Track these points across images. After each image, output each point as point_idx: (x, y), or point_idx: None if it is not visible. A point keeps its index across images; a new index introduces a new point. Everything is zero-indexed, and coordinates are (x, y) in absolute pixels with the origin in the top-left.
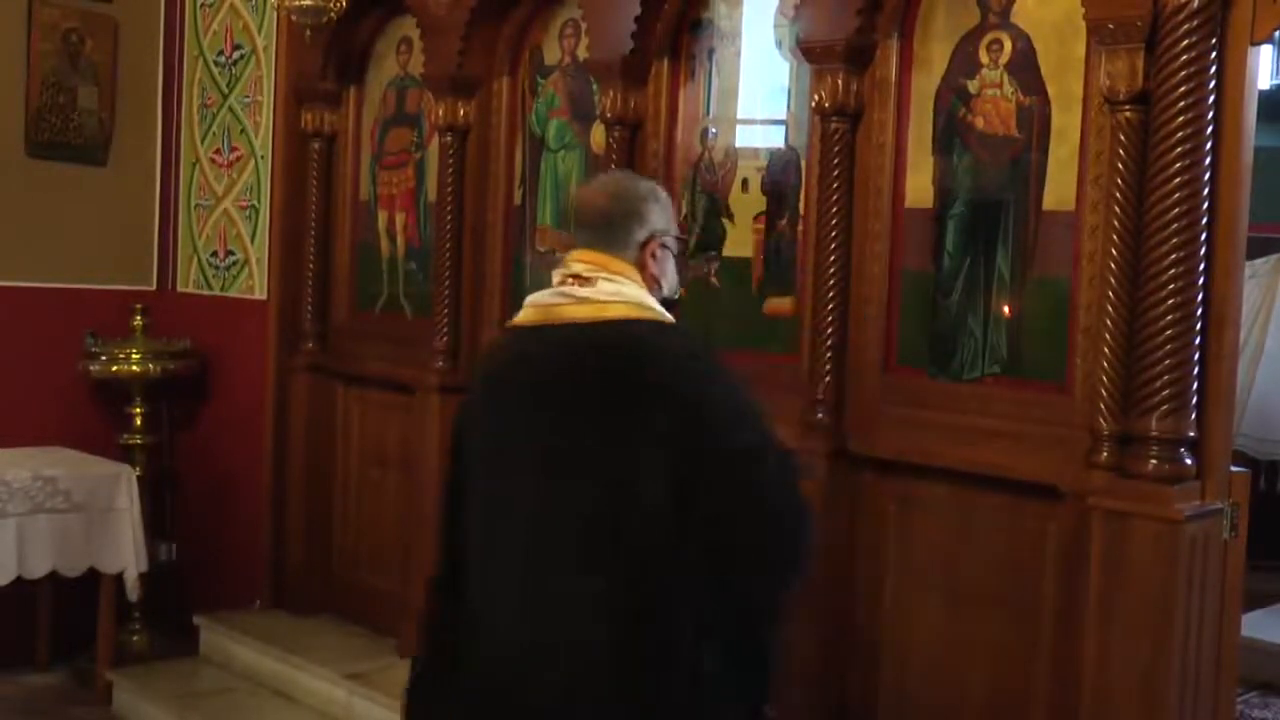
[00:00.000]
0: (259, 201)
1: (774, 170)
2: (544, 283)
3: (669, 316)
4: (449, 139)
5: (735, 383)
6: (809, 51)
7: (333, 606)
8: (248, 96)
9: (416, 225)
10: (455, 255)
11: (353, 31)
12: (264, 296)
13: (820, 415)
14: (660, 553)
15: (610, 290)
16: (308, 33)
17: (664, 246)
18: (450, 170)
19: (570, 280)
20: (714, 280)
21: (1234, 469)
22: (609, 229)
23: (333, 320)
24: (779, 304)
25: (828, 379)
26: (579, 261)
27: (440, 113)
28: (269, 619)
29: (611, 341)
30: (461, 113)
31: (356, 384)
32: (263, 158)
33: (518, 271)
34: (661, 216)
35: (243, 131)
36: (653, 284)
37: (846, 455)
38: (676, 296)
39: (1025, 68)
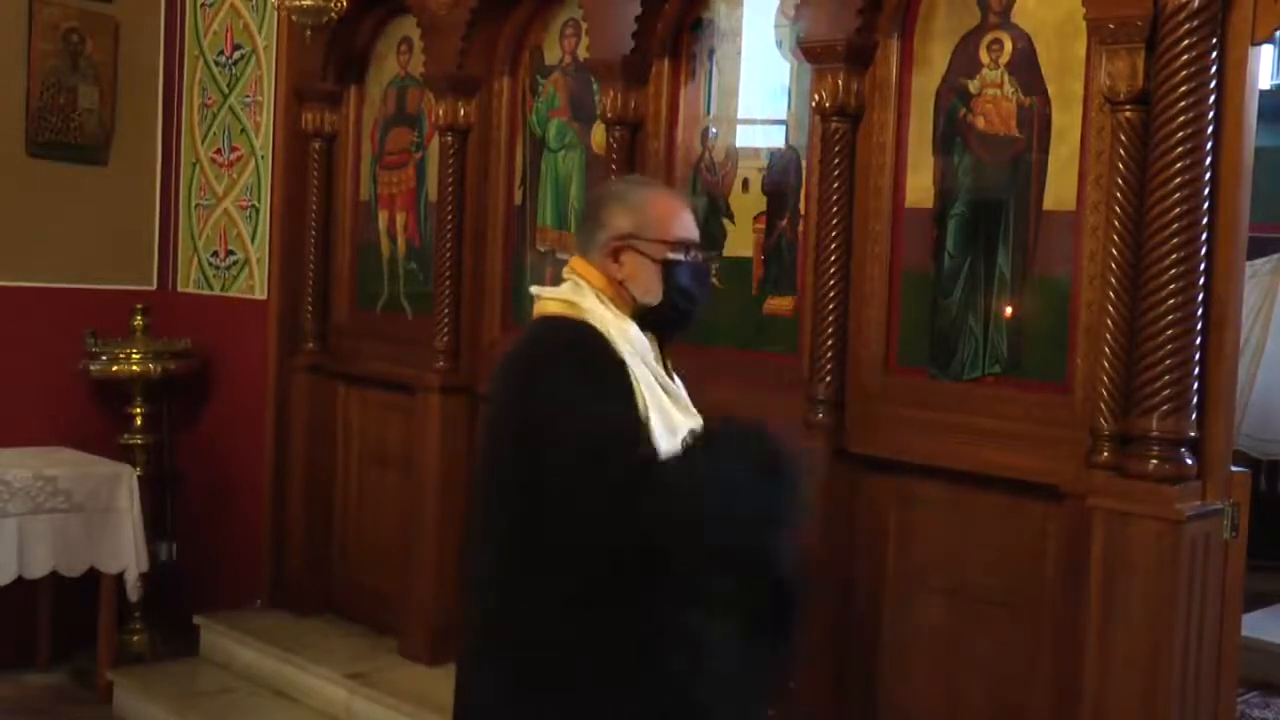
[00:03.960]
0: (259, 201)
1: (774, 170)
2: (543, 281)
3: (594, 313)
4: (449, 139)
5: (566, 389)
6: (809, 51)
7: (333, 606)
8: (248, 96)
9: (417, 225)
10: (456, 255)
11: (353, 31)
12: (264, 296)
13: (820, 415)
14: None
15: (555, 290)
16: (308, 33)
17: (635, 251)
18: (451, 170)
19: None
20: (714, 280)
21: (1234, 469)
22: (580, 230)
23: (333, 320)
24: (779, 304)
25: (828, 379)
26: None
27: (441, 113)
28: (269, 619)
29: (515, 343)
30: (462, 113)
31: (357, 384)
32: (263, 158)
33: (518, 272)
34: (627, 219)
35: (243, 131)
36: (618, 288)
37: (846, 455)
38: (654, 303)
39: (1026, 67)
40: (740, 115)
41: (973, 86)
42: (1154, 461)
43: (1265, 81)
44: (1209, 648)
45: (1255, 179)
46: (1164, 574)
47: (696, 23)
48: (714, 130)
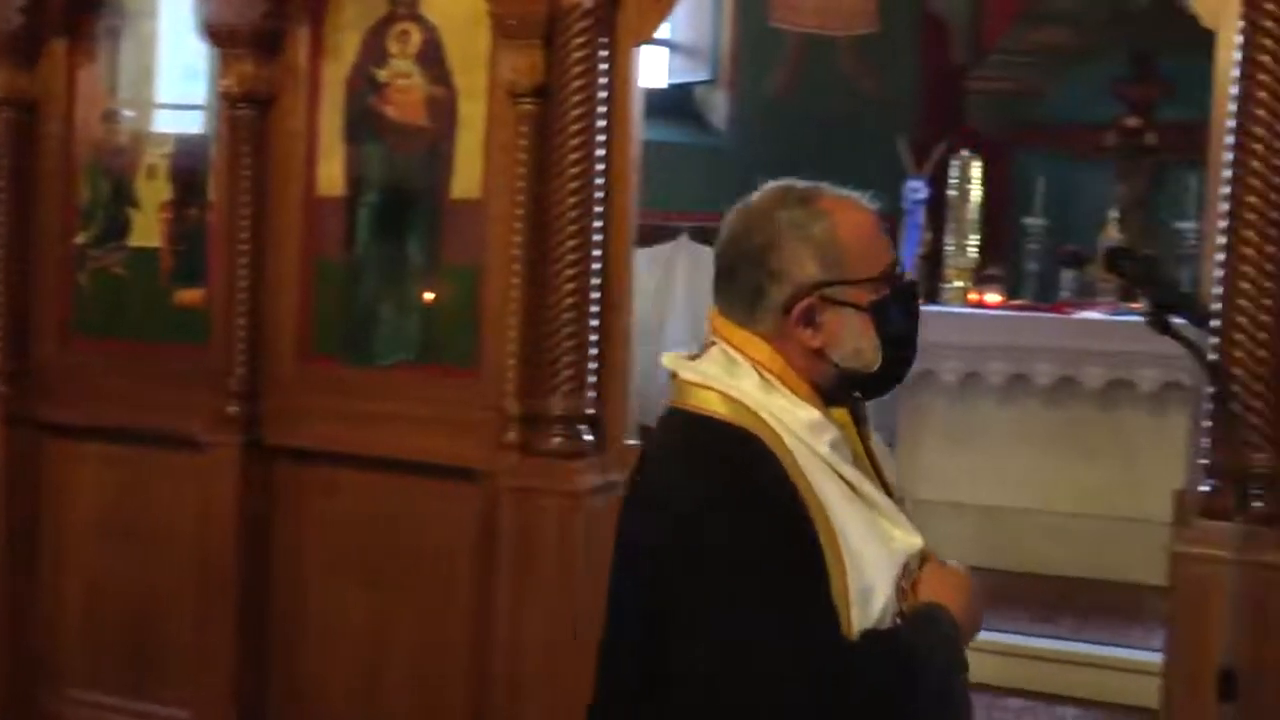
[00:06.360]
0: None
1: (182, 156)
2: None
3: (762, 409)
4: None
5: (726, 573)
6: (215, 35)
7: None
8: None
9: None
10: None
11: None
12: None
13: (234, 408)
14: None
15: (701, 370)
16: None
17: (833, 303)
18: None
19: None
20: (119, 270)
21: (631, 443)
22: (727, 281)
23: None
24: (190, 295)
25: (241, 370)
26: (708, 320)
27: None
28: None
29: (654, 455)
30: None
31: None
32: None
33: None
34: (814, 259)
35: None
36: (804, 360)
37: (261, 447)
38: (871, 368)
39: (434, 59)
40: (153, 98)
41: (383, 76)
42: (556, 439)
43: (663, 80)
44: None
45: (651, 170)
46: (568, 547)
47: (100, 1)
48: (123, 113)
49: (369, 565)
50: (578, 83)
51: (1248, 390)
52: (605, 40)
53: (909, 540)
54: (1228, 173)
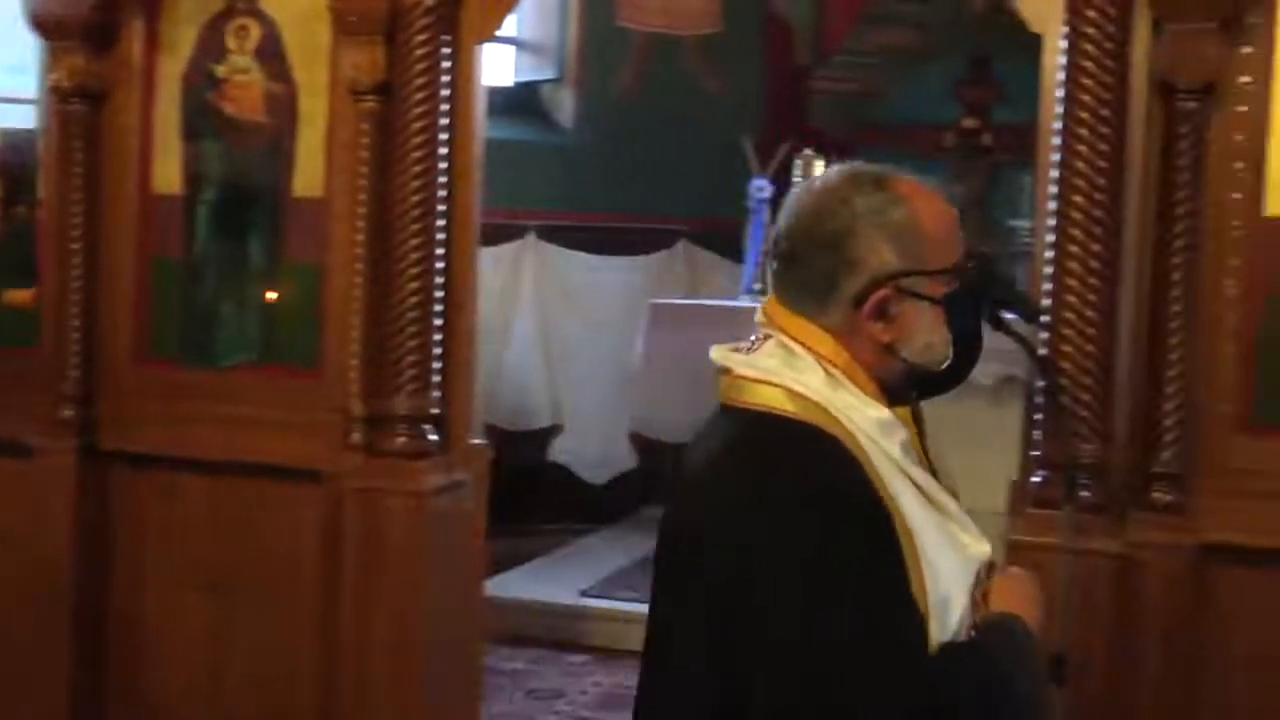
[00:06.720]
0: None
1: (9, 151)
2: None
3: (832, 406)
4: None
5: (807, 543)
6: (43, 26)
7: None
8: None
9: None
10: None
11: None
12: None
13: (67, 411)
14: None
15: (759, 364)
16: None
17: (910, 295)
18: None
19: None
20: None
21: (476, 443)
22: (792, 269)
23: None
24: (19, 295)
25: (75, 373)
26: (761, 310)
27: None
28: None
29: (714, 456)
30: None
31: None
32: None
33: None
34: (893, 248)
35: None
36: (876, 354)
37: (97, 452)
38: (944, 364)
39: (273, 54)
40: None
41: (221, 71)
42: (401, 439)
43: (509, 78)
44: (457, 612)
45: (497, 169)
46: (413, 547)
47: None
48: None
49: (212, 569)
50: (420, 80)
51: (1076, 384)
52: (448, 38)
53: (979, 547)
54: (1055, 173)
